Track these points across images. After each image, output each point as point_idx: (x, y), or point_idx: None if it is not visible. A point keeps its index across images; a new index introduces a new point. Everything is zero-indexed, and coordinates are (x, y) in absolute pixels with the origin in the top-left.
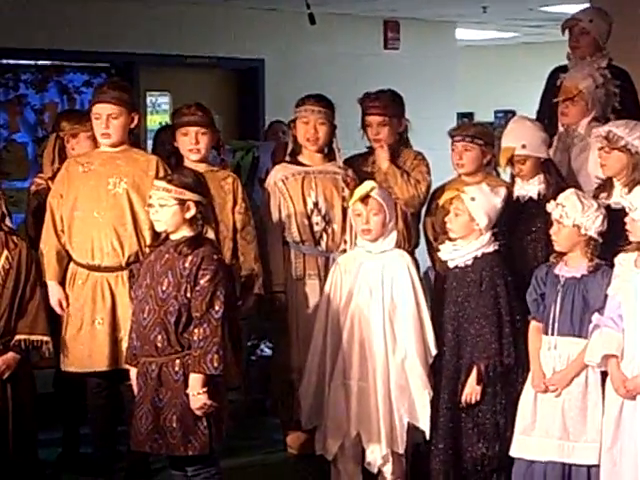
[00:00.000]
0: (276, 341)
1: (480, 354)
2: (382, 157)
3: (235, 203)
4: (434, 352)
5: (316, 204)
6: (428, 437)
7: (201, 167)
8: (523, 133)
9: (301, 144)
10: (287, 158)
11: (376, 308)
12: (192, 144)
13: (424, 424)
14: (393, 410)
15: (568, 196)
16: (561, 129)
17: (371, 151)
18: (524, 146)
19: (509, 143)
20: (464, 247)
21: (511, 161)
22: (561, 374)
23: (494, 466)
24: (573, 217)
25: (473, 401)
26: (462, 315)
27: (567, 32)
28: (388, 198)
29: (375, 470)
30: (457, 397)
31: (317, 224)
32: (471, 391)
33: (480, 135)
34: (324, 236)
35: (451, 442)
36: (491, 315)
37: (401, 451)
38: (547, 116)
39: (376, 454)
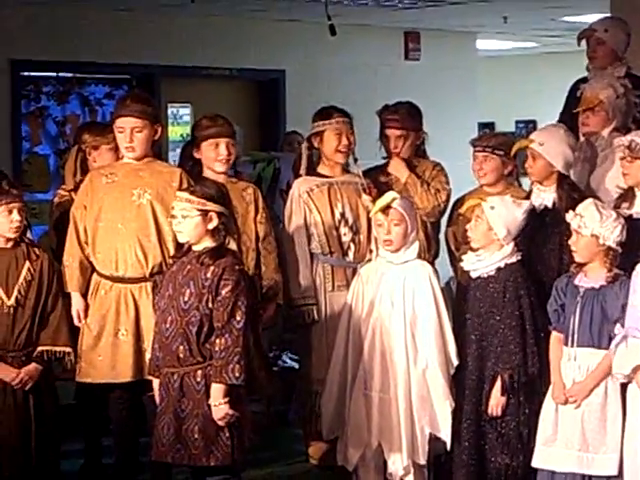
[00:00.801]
0: (303, 353)
1: (504, 365)
2: (400, 168)
3: (257, 213)
4: (456, 363)
5: (343, 215)
6: (449, 448)
7: (221, 178)
8: (548, 135)
9: (324, 156)
10: (303, 171)
11: (397, 319)
12: (224, 155)
13: (445, 435)
14: (414, 421)
15: (587, 206)
16: (582, 139)
17: (388, 163)
18: (541, 144)
19: (531, 137)
20: (487, 258)
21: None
22: (580, 385)
23: (518, 477)
24: (591, 227)
25: (498, 412)
26: (486, 326)
27: (585, 42)
28: (410, 208)
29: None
30: (480, 408)
31: (345, 235)
32: (496, 402)
33: (501, 146)
34: (352, 247)
35: (475, 453)
36: (515, 326)
37: (423, 462)
38: (568, 127)
39: (397, 465)
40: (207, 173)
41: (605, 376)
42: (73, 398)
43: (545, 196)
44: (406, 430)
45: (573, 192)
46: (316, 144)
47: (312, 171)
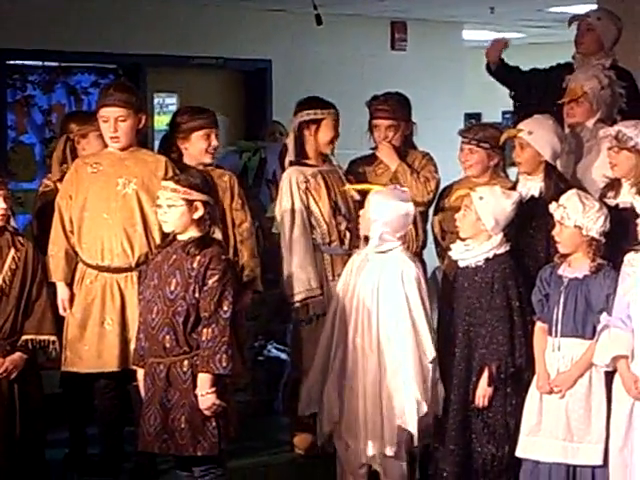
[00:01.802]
0: (297, 344)
1: (492, 356)
2: (390, 157)
3: (232, 200)
4: (431, 355)
5: (336, 203)
6: (417, 441)
7: (200, 166)
8: (537, 125)
9: (315, 145)
10: (292, 157)
11: (371, 311)
12: (214, 145)
13: (412, 427)
14: (383, 412)
15: (569, 197)
16: (567, 130)
17: (375, 153)
18: (530, 133)
19: (520, 126)
20: (476, 248)
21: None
22: (565, 375)
23: (503, 467)
24: (574, 218)
25: (485, 403)
26: (473, 316)
27: (575, 29)
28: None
29: (361, 470)
30: (468, 398)
31: (340, 224)
32: (483, 393)
33: (487, 139)
34: (347, 235)
35: (461, 443)
36: (503, 317)
37: (390, 454)
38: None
39: (363, 455)
40: (187, 162)
41: (589, 366)
42: (58, 387)
43: (531, 185)
44: (371, 421)
45: (560, 182)
46: (309, 133)
47: (298, 160)
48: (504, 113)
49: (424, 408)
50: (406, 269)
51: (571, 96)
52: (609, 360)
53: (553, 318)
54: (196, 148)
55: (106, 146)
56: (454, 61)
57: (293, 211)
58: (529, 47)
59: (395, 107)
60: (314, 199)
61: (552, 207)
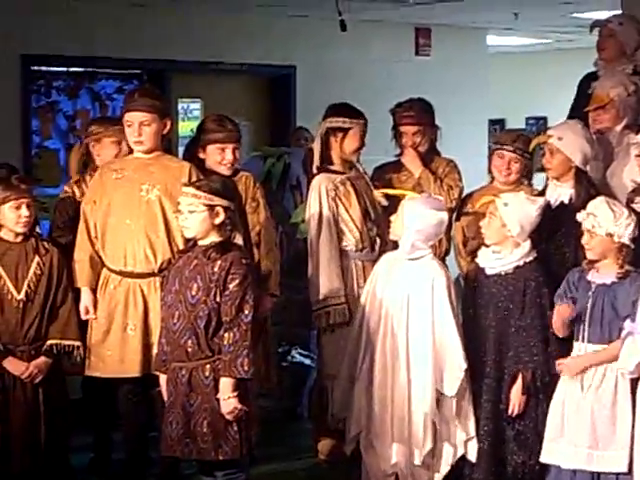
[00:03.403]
0: (327, 350)
1: (525, 364)
2: (414, 163)
3: (245, 201)
4: (464, 366)
5: (366, 209)
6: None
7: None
8: (567, 130)
9: (341, 153)
10: (315, 166)
11: (401, 318)
12: (229, 160)
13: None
14: (411, 421)
15: (598, 205)
16: (593, 137)
17: (400, 159)
18: (560, 138)
19: (550, 132)
20: (507, 256)
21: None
22: (576, 360)
23: (534, 475)
24: (606, 226)
25: (519, 411)
26: (504, 325)
27: (598, 35)
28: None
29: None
30: (499, 406)
31: (371, 229)
32: (517, 401)
33: (526, 147)
34: (377, 241)
35: (493, 451)
36: (537, 325)
37: (417, 462)
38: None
39: (386, 462)
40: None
41: (603, 361)
42: (80, 391)
43: (562, 191)
44: (398, 430)
45: (591, 188)
46: (336, 140)
47: (325, 165)
48: (528, 119)
49: (429, 423)
50: (437, 277)
51: (598, 103)
52: (633, 367)
53: (580, 324)
54: (211, 160)
55: (120, 152)
56: (478, 67)
57: (321, 218)
58: (553, 53)
59: (420, 112)
60: (344, 206)
61: (581, 216)
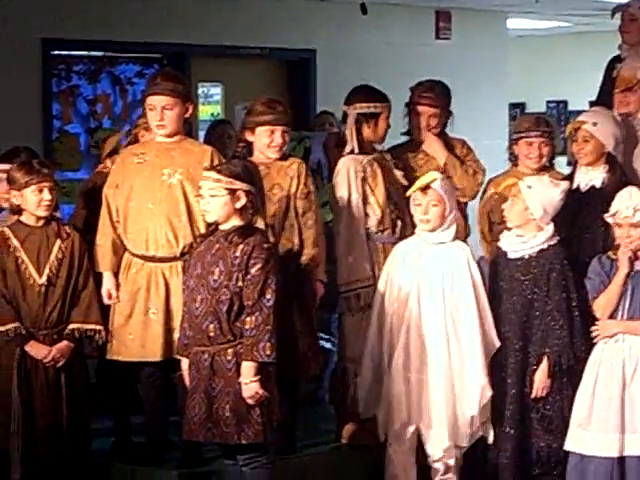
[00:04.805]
0: (349, 334)
1: (551, 347)
2: (437, 148)
3: (297, 188)
4: (497, 344)
5: (389, 191)
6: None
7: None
8: (600, 116)
9: (368, 136)
10: (354, 147)
11: (436, 301)
12: (278, 143)
13: (479, 414)
14: (456, 404)
15: (634, 195)
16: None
17: (412, 140)
18: (595, 124)
19: (583, 118)
20: (531, 240)
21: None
22: (611, 323)
23: (559, 458)
24: None
25: (543, 394)
26: (529, 307)
27: (619, 18)
28: (450, 190)
29: (436, 464)
30: (524, 389)
31: (392, 212)
32: (542, 384)
33: (550, 128)
34: (398, 223)
35: (517, 434)
36: (562, 308)
37: (465, 444)
38: (607, 107)
39: (436, 447)
40: (257, 156)
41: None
42: (94, 376)
43: (593, 175)
44: (447, 412)
45: (622, 174)
46: (369, 126)
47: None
48: (548, 102)
49: (488, 393)
50: (471, 259)
51: (625, 85)
52: None
53: (619, 310)
54: (259, 142)
55: None
56: (498, 50)
57: (350, 200)
58: (574, 36)
59: (440, 95)
60: (370, 187)
61: (623, 212)
